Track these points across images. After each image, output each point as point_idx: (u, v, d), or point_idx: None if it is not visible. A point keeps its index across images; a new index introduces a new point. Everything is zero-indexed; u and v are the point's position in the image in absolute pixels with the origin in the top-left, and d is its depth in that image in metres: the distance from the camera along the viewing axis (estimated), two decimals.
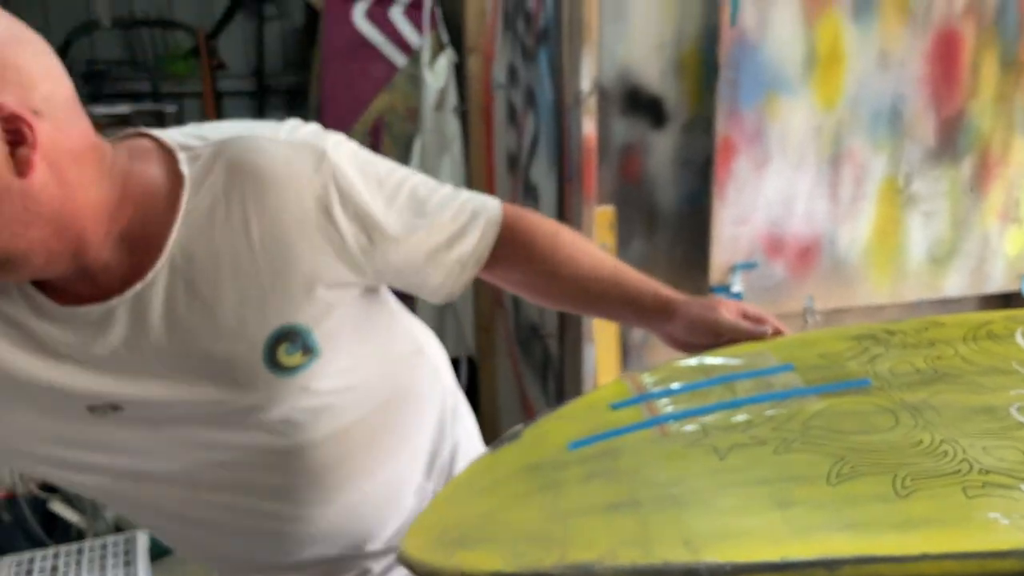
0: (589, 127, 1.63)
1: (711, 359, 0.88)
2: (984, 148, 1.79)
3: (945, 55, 1.71)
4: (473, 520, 0.72)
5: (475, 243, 0.96)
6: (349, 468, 0.95)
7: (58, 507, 2.27)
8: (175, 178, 0.82)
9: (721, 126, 1.62)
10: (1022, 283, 1.91)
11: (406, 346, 1.04)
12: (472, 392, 3.02)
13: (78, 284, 0.80)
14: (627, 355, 1.80)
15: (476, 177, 2.74)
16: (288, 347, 0.85)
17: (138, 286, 0.80)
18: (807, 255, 1.75)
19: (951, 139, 1.76)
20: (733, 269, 1.70)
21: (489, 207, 0.98)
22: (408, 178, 0.94)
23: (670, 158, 1.73)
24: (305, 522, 0.95)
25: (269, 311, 0.84)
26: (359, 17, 2.89)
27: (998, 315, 0.92)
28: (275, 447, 0.89)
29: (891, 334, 0.88)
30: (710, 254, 1.69)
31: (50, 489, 2.28)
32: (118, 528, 2.32)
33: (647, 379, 0.86)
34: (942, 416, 0.71)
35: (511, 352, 2.59)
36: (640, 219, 1.76)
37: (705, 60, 1.66)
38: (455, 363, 3.02)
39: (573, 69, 1.63)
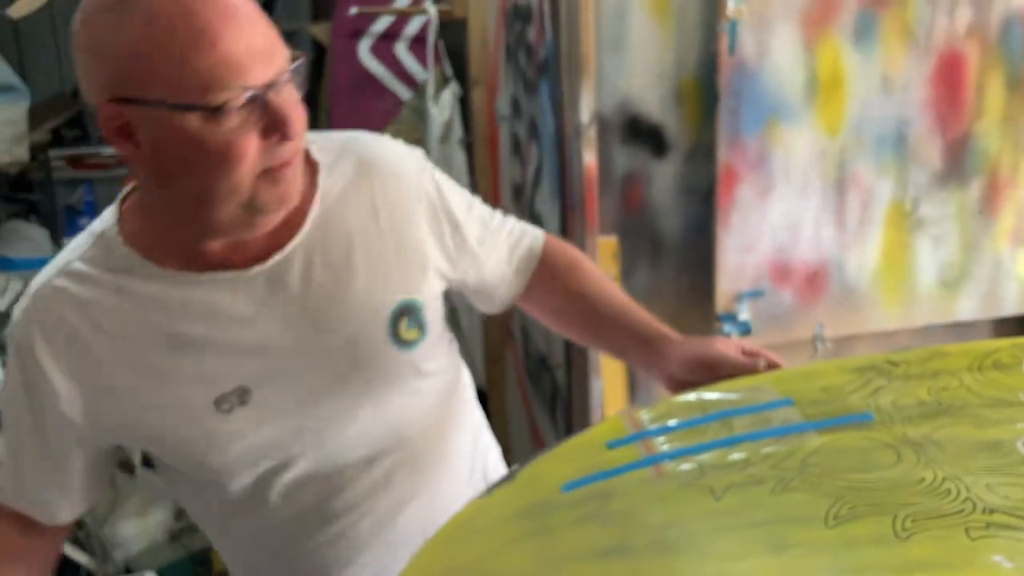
0: (590, 158, 1.62)
1: (709, 394, 0.86)
2: (992, 170, 1.76)
3: (949, 77, 1.69)
4: (465, 566, 0.70)
5: (525, 254, 1.09)
6: (430, 460, 1.00)
7: (67, 548, 2.26)
8: (309, 164, 0.90)
9: (723, 154, 1.61)
10: None
11: (453, 347, 1.10)
12: None
13: (224, 250, 0.85)
14: (635, 388, 1.78)
15: None
16: (408, 321, 0.93)
17: (278, 256, 0.86)
18: (815, 282, 1.73)
19: (958, 162, 1.74)
20: (739, 297, 1.68)
21: (530, 227, 1.12)
22: (473, 196, 1.06)
23: (672, 187, 1.72)
24: (387, 529, 0.97)
25: (393, 285, 0.92)
26: (364, 53, 2.91)
27: (1005, 343, 0.89)
28: (381, 435, 0.94)
29: (894, 365, 0.86)
30: (716, 282, 1.67)
31: None
32: (127, 570, 2.31)
33: (644, 416, 0.84)
34: (945, 452, 0.68)
35: (521, 383, 2.57)
36: (644, 248, 1.74)
37: (705, 88, 1.65)
38: None
39: (572, 101, 1.62)
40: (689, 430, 0.80)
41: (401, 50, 2.91)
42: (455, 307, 2.88)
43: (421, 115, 2.84)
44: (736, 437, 0.76)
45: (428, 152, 2.90)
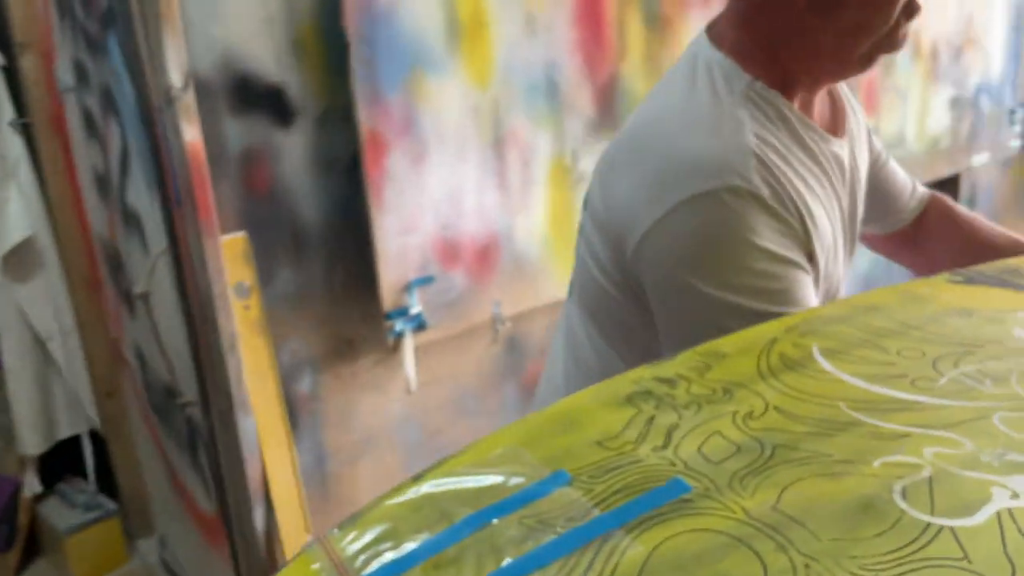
0: (191, 133, 1.21)
1: (437, 482, 0.56)
2: None
3: (591, 15, 1.56)
4: None
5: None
6: None
7: None
8: None
9: (363, 116, 1.31)
10: None
11: None
12: (106, 474, 2.43)
13: (819, 118, 0.96)
14: (295, 415, 1.43)
15: (59, 206, 2.15)
16: None
17: (845, 139, 0.97)
18: (486, 257, 1.51)
19: (609, 107, 1.62)
20: (408, 287, 1.40)
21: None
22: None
23: (307, 162, 1.38)
24: None
25: None
26: None
27: (776, 329, 0.72)
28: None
29: (670, 384, 0.63)
30: (377, 274, 1.38)
31: None
32: None
33: (347, 546, 0.52)
34: (818, 536, 0.46)
35: (147, 420, 2.07)
36: (282, 243, 1.39)
37: (328, 36, 1.32)
38: (74, 443, 2.40)
39: (155, 58, 1.20)
40: (429, 564, 0.49)
41: None
42: (41, 339, 2.26)
43: None
44: (509, 568, 0.47)
45: None
